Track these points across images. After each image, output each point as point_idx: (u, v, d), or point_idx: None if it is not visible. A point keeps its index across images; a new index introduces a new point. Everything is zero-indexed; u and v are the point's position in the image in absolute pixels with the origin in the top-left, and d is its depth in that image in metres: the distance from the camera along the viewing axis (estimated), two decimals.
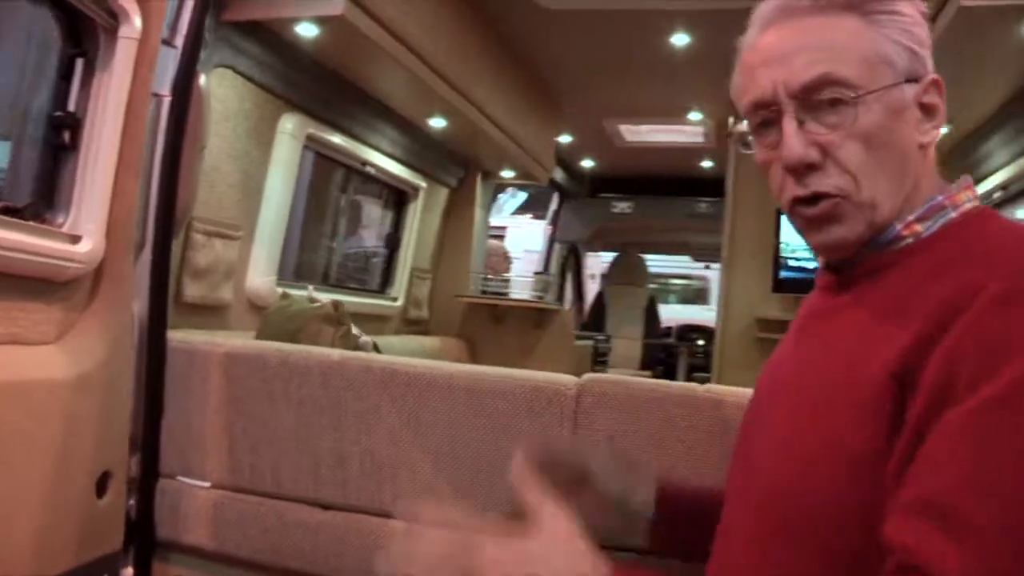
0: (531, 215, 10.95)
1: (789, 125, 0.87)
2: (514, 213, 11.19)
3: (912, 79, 0.87)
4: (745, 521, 0.91)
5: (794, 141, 0.86)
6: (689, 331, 7.99)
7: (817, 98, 0.86)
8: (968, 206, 0.89)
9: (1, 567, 1.49)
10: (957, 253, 0.83)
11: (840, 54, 0.85)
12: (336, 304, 2.20)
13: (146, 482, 1.95)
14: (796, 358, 0.96)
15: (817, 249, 0.95)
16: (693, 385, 1.80)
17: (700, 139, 5.41)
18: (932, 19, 2.09)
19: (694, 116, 4.85)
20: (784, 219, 4.08)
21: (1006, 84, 2.52)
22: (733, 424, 1.68)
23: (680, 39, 3.49)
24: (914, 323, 0.77)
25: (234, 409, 1.94)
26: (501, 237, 8.06)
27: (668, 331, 8.07)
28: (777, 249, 4.07)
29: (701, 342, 7.65)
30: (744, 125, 0.95)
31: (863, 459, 0.76)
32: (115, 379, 1.76)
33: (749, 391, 1.67)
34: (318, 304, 2.22)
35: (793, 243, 4.04)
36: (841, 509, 0.78)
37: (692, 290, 11.87)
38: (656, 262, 8.91)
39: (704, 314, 9.71)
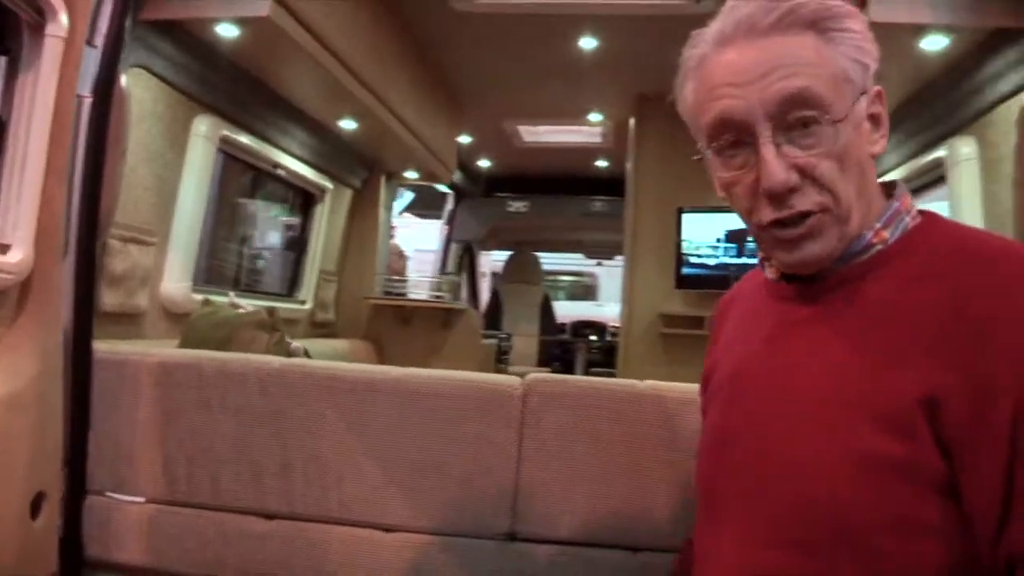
0: (412, 213, 10.88)
1: (768, 151, 0.86)
2: (401, 212, 11.11)
3: (863, 92, 0.89)
4: (751, 526, 0.91)
5: (776, 167, 0.86)
6: (583, 327, 8.17)
7: (792, 117, 0.86)
8: (915, 211, 0.93)
9: None
10: (938, 256, 0.86)
11: (812, 70, 0.86)
12: (271, 311, 2.16)
13: (73, 500, 1.87)
14: (775, 366, 0.94)
15: (789, 267, 0.95)
16: (633, 381, 1.86)
17: (598, 139, 5.55)
18: None
19: (594, 117, 4.97)
20: (685, 217, 4.26)
21: (901, 91, 2.72)
22: (675, 419, 1.76)
23: (588, 43, 3.58)
24: (923, 338, 0.81)
25: (168, 420, 1.88)
26: (391, 237, 8.00)
27: (563, 327, 8.21)
28: (679, 246, 4.22)
29: (594, 338, 7.84)
30: (703, 145, 0.94)
31: (897, 468, 0.79)
32: (46, 395, 1.68)
33: (687, 386, 1.76)
34: (248, 311, 2.17)
35: (695, 241, 4.20)
36: (871, 515, 0.80)
37: (580, 286, 12.10)
38: (546, 259, 9.05)
39: (594, 310, 9.94)
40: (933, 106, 2.71)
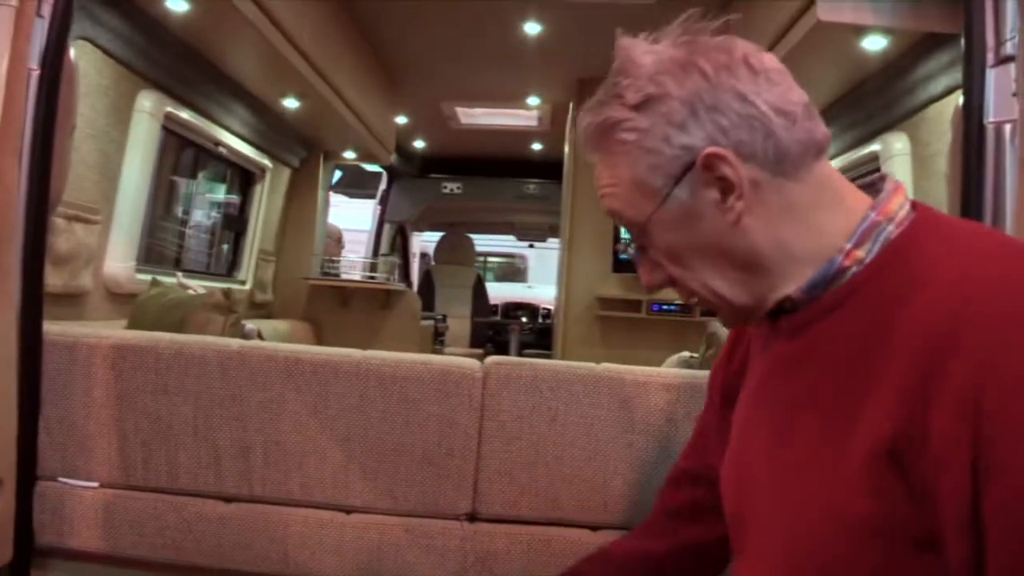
0: (340, 192, 10.76)
1: (636, 256, 0.91)
2: (328, 190, 10.93)
3: (688, 168, 0.82)
4: (757, 564, 0.90)
5: (641, 272, 0.91)
6: (515, 309, 8.24)
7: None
8: (903, 213, 0.81)
9: None
10: (907, 273, 0.76)
11: (613, 191, 0.87)
12: (226, 292, 2.13)
13: (23, 486, 1.82)
14: (768, 408, 0.90)
15: None
16: (590, 364, 1.90)
17: (534, 123, 5.58)
18: (789, 27, 2.33)
19: (532, 101, 5.00)
20: None
21: (839, 85, 2.83)
22: (632, 401, 1.81)
23: (532, 28, 3.60)
24: (887, 375, 0.72)
25: (124, 404, 1.85)
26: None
27: (494, 309, 8.26)
28: (617, 231, 4.29)
29: (526, 319, 7.92)
30: None
31: (873, 526, 0.73)
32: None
33: (642, 368, 1.82)
34: (201, 292, 2.14)
35: None
36: (847, 572, 0.75)
37: (511, 268, 12.16)
38: (476, 240, 9.03)
39: (525, 292, 10.00)
40: (870, 103, 2.84)
